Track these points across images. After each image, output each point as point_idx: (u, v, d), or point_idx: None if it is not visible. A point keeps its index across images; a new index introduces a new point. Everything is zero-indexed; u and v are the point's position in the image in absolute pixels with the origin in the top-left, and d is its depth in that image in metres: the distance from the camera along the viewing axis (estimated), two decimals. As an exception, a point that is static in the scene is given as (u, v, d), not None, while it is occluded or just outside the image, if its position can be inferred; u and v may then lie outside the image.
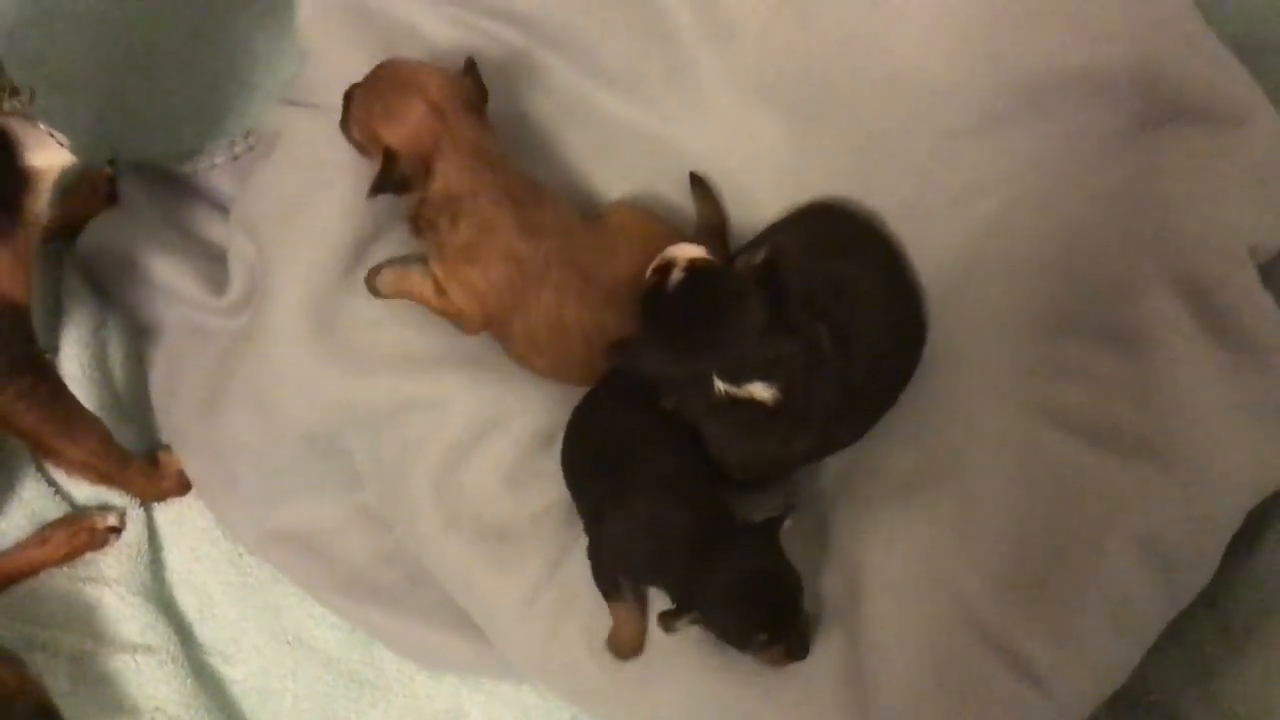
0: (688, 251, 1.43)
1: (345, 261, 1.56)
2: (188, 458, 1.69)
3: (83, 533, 1.66)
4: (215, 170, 1.85)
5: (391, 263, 1.55)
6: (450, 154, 1.47)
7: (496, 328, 1.54)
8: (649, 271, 1.44)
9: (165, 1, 1.89)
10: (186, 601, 1.69)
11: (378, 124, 1.47)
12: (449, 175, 1.47)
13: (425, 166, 1.46)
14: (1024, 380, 1.40)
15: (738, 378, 1.38)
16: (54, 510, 1.69)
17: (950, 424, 1.44)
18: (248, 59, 1.89)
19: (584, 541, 1.50)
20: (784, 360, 1.38)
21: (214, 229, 1.79)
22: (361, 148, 1.51)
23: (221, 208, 1.81)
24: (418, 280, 1.53)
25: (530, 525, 1.53)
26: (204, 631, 1.68)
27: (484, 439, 1.54)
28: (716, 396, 1.39)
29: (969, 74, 1.48)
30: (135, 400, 1.77)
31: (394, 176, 1.44)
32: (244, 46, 1.89)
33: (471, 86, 1.51)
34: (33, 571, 1.65)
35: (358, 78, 1.53)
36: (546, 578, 1.50)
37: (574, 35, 1.64)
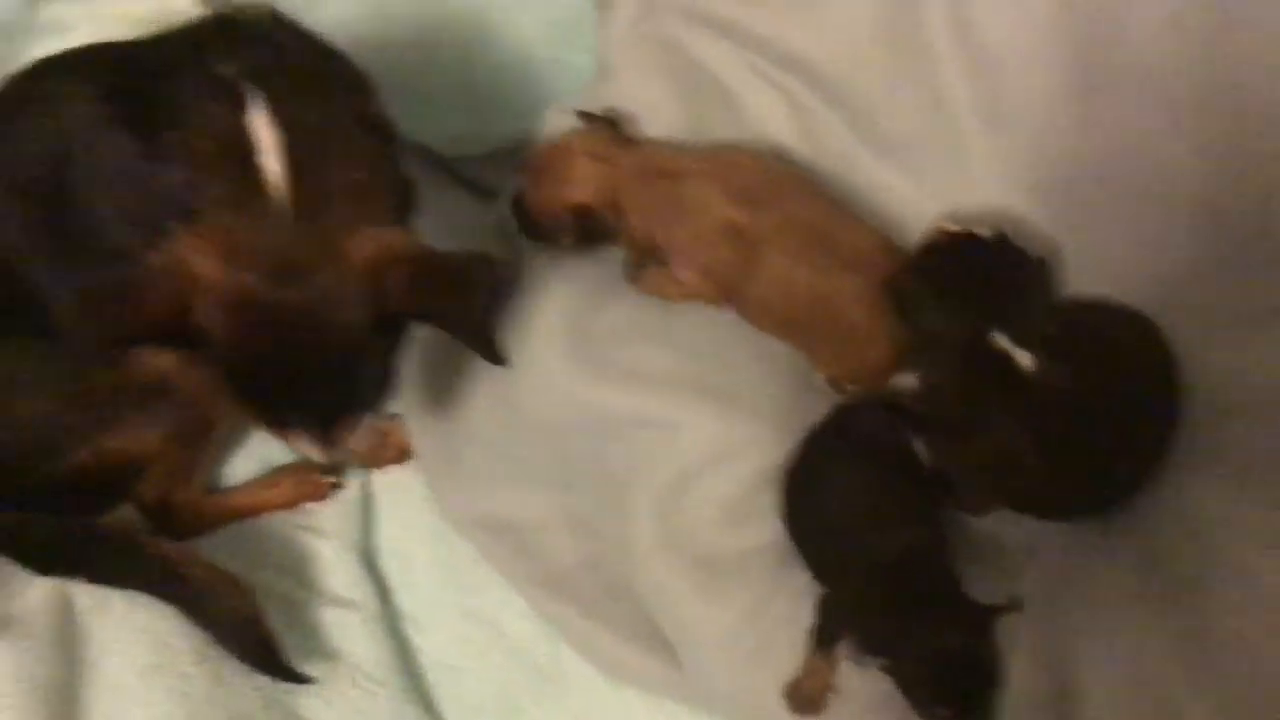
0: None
1: (609, 269, 1.63)
2: (417, 431, 1.75)
3: (308, 483, 1.73)
4: (478, 161, 1.92)
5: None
6: (629, 183, 1.57)
7: (734, 299, 1.58)
8: (934, 230, 1.49)
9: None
10: (389, 566, 1.75)
11: (559, 193, 1.59)
12: (638, 202, 1.57)
13: (615, 209, 1.57)
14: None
15: (1015, 339, 1.40)
16: (281, 455, 1.76)
17: (1187, 536, 1.41)
18: (528, 62, 1.95)
19: (791, 587, 1.53)
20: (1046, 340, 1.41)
21: (474, 216, 1.86)
22: (553, 233, 1.61)
23: (484, 195, 1.88)
24: (663, 276, 1.60)
25: (742, 561, 1.56)
26: (402, 598, 1.73)
27: (711, 468, 1.57)
28: (983, 356, 1.41)
29: (1262, 200, 1.47)
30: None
31: (592, 226, 1.56)
32: (526, 48, 1.94)
33: (608, 123, 1.63)
34: (257, 512, 1.73)
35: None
36: (751, 617, 1.52)
37: (858, 95, 1.66)
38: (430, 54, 1.92)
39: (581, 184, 1.58)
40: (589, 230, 1.58)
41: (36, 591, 1.49)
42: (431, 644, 1.71)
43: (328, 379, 1.24)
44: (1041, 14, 1.55)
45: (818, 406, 1.59)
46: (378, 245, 1.23)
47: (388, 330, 1.26)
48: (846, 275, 1.53)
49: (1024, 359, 1.41)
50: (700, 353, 1.60)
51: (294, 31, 1.42)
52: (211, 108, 1.28)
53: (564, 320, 1.60)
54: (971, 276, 1.46)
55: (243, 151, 1.25)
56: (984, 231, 1.47)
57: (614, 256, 1.62)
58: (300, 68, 1.36)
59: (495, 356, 1.27)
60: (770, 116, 1.64)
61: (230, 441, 1.75)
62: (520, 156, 1.93)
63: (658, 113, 1.64)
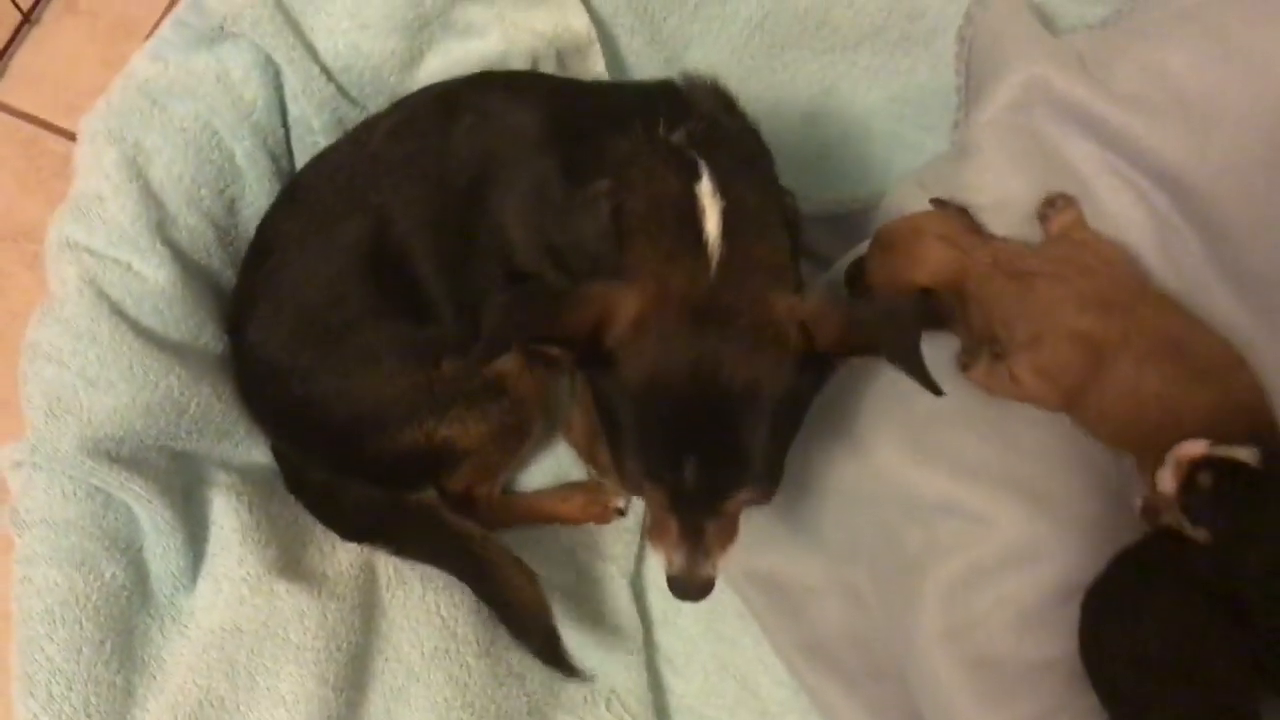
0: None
1: (940, 353, 1.60)
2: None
3: (598, 504, 1.77)
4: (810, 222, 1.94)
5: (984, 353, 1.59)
6: (978, 275, 1.54)
7: (1072, 405, 1.54)
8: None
9: (817, 60, 1.99)
10: (654, 602, 1.77)
11: (905, 272, 1.57)
12: (984, 295, 1.53)
13: (959, 296, 1.54)
14: None
15: None
16: (576, 471, 1.82)
17: None
18: (866, 131, 1.97)
19: (1076, 708, 1.46)
20: None
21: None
22: None
23: (810, 256, 1.90)
24: (998, 373, 1.56)
25: (1026, 672, 1.50)
26: (663, 636, 1.75)
27: (1011, 569, 1.52)
28: None
29: None
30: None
31: (933, 310, 1.54)
32: (866, 118, 1.97)
33: (960, 211, 1.61)
34: (546, 520, 1.78)
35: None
36: (1029, 732, 1.47)
37: (1227, 223, 1.60)
38: (775, 110, 1.95)
39: (929, 266, 1.57)
40: (925, 313, 1.57)
41: (345, 555, 1.57)
42: (684, 688, 1.72)
43: (727, 433, 1.23)
44: None
45: (1133, 529, 1.53)
46: (801, 301, 1.28)
47: (811, 377, 1.28)
48: (1198, 387, 1.46)
49: None
50: (1022, 450, 1.56)
51: (733, 111, 1.49)
52: (661, 170, 1.36)
53: (885, 395, 1.59)
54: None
55: (686, 214, 1.31)
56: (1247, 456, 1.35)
57: (946, 340, 1.60)
58: (738, 149, 1.44)
59: (933, 384, 1.26)
60: (1130, 226, 1.60)
61: (534, 450, 1.81)
62: (843, 223, 1.97)
63: (1015, 202, 1.62)
